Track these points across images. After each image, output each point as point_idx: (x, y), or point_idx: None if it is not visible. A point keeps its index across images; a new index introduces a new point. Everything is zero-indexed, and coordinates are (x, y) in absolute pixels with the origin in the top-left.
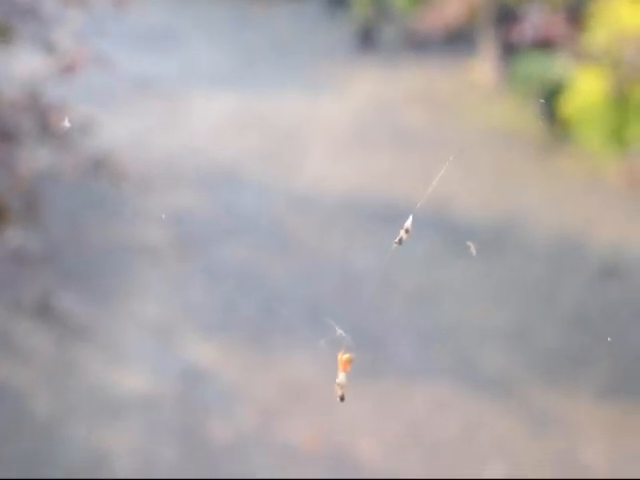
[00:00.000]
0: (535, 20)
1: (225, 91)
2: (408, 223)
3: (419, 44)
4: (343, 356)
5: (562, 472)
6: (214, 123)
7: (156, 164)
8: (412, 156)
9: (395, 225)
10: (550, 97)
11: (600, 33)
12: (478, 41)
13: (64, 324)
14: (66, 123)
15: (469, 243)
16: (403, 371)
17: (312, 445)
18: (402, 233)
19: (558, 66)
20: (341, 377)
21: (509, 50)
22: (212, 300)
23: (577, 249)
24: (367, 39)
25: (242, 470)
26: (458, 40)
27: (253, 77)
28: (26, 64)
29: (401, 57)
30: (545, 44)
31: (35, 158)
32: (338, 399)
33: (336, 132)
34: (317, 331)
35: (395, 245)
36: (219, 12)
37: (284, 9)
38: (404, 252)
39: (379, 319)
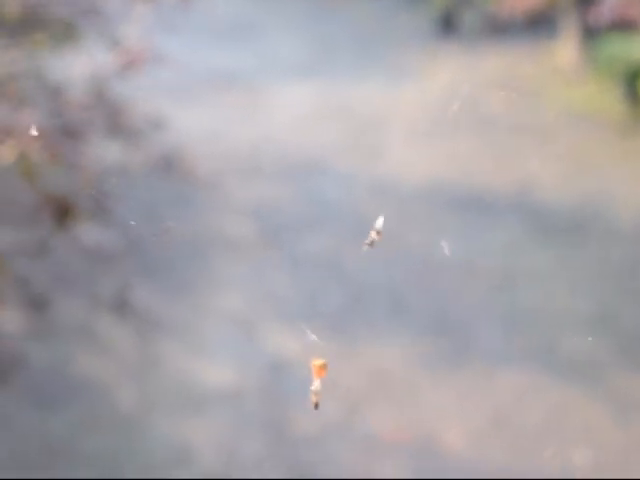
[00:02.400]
0: (612, 1)
1: (304, 82)
2: (379, 224)
3: (500, 29)
4: (317, 362)
5: None
6: (294, 114)
7: (236, 156)
8: (493, 141)
9: (477, 211)
10: (633, 79)
11: None
12: (559, 24)
13: (145, 318)
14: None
15: (442, 244)
16: (487, 358)
17: (396, 435)
18: (373, 235)
19: None
20: (316, 384)
21: (592, 32)
22: (295, 291)
23: None
24: (447, 26)
25: (326, 461)
26: (539, 24)
27: (332, 67)
28: (93, 62)
29: (482, 43)
30: (624, 25)
31: (107, 155)
32: (313, 407)
33: (417, 119)
34: (400, 320)
35: (366, 247)
36: (294, 3)
37: None
38: (485, 238)
39: (462, 306)
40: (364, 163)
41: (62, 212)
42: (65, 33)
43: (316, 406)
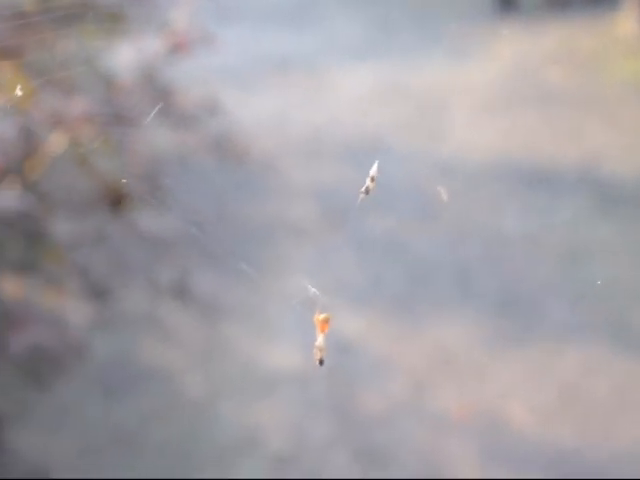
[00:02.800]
0: None
1: (364, 63)
2: (373, 170)
3: (560, 2)
4: (320, 316)
5: None
6: (353, 95)
7: (295, 139)
8: (556, 116)
9: (541, 186)
10: None
11: None
12: None
13: (208, 303)
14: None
15: (439, 188)
16: (554, 333)
17: (462, 413)
18: (368, 182)
19: None
20: (320, 339)
21: None
22: (359, 272)
23: None
24: (507, 2)
25: (393, 441)
26: None
27: (391, 48)
28: (144, 48)
29: (542, 17)
30: None
31: (162, 140)
32: (317, 363)
33: (478, 97)
34: (466, 298)
35: (362, 195)
36: None
37: None
38: (551, 213)
39: (529, 282)
40: (426, 142)
41: (117, 199)
42: (115, 19)
43: (321, 362)
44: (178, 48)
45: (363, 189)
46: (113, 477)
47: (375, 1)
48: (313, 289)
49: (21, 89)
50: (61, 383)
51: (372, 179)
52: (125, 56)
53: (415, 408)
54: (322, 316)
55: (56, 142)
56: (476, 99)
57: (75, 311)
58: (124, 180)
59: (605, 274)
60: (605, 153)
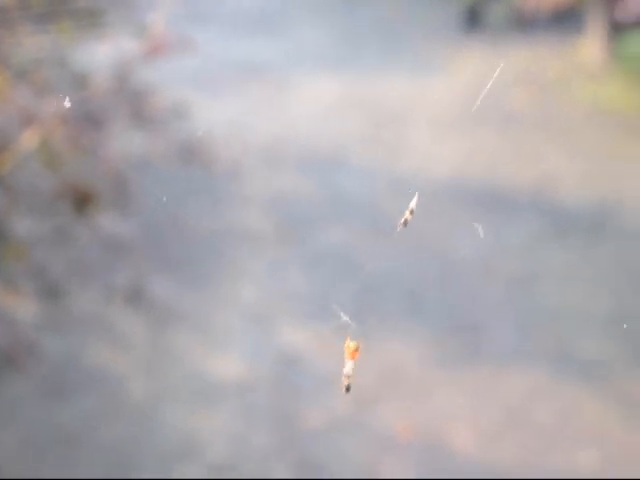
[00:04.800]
0: None
1: (329, 75)
2: (413, 203)
3: (526, 24)
4: (350, 343)
5: None
6: (318, 106)
7: (256, 148)
8: (516, 137)
9: (498, 208)
10: None
11: None
12: (586, 19)
13: (160, 309)
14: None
15: (476, 225)
16: (501, 356)
17: (406, 433)
18: (407, 214)
19: None
20: (348, 367)
21: (618, 28)
22: (310, 285)
23: None
24: (473, 20)
25: (334, 456)
26: (565, 19)
27: (356, 59)
28: (119, 50)
29: (507, 37)
30: None
31: (128, 143)
32: (344, 390)
33: (441, 114)
34: (415, 317)
35: (400, 227)
36: None
37: None
38: (505, 236)
39: (479, 304)
40: (386, 157)
41: (82, 200)
42: (91, 20)
43: (347, 389)
44: (154, 52)
45: (402, 221)
46: (53, 476)
47: (344, 13)
48: (345, 317)
49: None
50: (8, 381)
51: (411, 212)
52: (100, 56)
53: (358, 424)
54: (353, 344)
55: (27, 140)
56: (437, 116)
57: (27, 309)
58: (91, 181)
59: (554, 300)
60: (561, 177)
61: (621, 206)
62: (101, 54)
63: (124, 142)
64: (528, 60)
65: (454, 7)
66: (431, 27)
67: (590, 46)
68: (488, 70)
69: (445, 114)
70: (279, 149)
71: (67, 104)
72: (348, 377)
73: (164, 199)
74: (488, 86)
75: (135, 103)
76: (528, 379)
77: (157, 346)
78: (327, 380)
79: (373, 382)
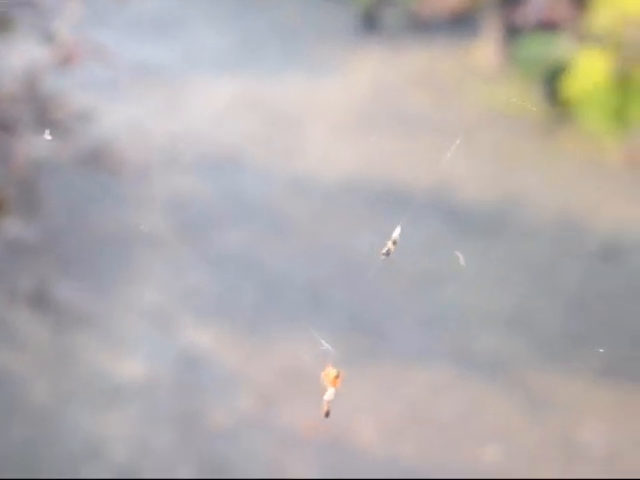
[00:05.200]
0: (538, 2)
1: (227, 76)
2: (396, 234)
3: (422, 27)
4: (330, 371)
5: (560, 453)
6: (216, 108)
7: (157, 151)
8: (414, 139)
9: (396, 209)
10: (553, 79)
11: (603, 15)
12: (481, 23)
13: (62, 312)
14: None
15: (457, 253)
16: (403, 354)
17: (311, 430)
18: (389, 245)
19: (561, 48)
20: (329, 393)
21: (512, 32)
22: (212, 286)
23: (578, 231)
24: (370, 22)
25: (240, 455)
26: (462, 22)
27: (255, 62)
28: (26, 55)
29: (404, 40)
30: (548, 26)
31: (35, 148)
32: (323, 415)
33: (338, 116)
34: (317, 316)
35: (383, 257)
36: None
37: None
38: (406, 235)
39: (380, 303)
40: (284, 159)
41: None
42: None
43: (327, 414)
44: (64, 59)
45: (384, 251)
46: None
47: (242, 16)
48: (326, 344)
49: None
50: None
51: (394, 242)
52: (8, 63)
53: (262, 423)
54: (333, 372)
55: None
56: (335, 118)
57: None
58: None
59: (456, 298)
60: (460, 178)
61: (519, 206)
62: (9, 60)
63: (34, 147)
64: (425, 63)
65: (351, 10)
66: (328, 30)
67: (486, 49)
68: (385, 72)
69: (343, 116)
70: (179, 152)
71: None
72: (328, 403)
73: (67, 202)
74: (385, 88)
75: (42, 108)
76: (431, 376)
77: (60, 348)
78: (230, 379)
79: (276, 380)
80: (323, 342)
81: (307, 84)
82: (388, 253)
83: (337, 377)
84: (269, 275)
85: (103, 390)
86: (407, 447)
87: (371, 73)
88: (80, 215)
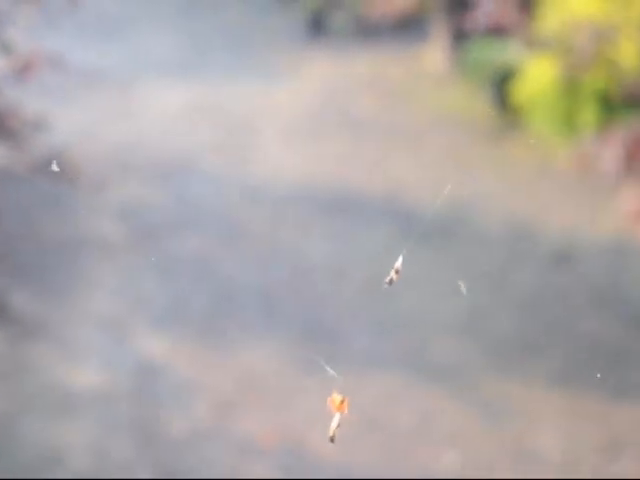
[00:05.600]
0: (487, 7)
1: (176, 81)
2: (398, 263)
3: (370, 31)
4: (336, 397)
5: (515, 458)
6: (167, 114)
7: (108, 158)
8: (363, 143)
9: (346, 214)
10: (501, 84)
11: (551, 20)
12: (429, 28)
13: (16, 321)
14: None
15: (459, 283)
16: (357, 361)
17: (268, 438)
18: (392, 274)
19: (510, 53)
20: (335, 419)
21: (461, 37)
22: (165, 293)
23: (529, 235)
24: (318, 26)
25: (198, 464)
26: (409, 27)
27: (204, 66)
28: None
29: (352, 44)
30: (497, 31)
31: None
32: (329, 439)
33: (288, 120)
34: (271, 323)
35: (385, 286)
36: (172, 2)
37: None
38: (357, 242)
39: (333, 310)
40: (235, 164)
41: None
42: None
43: (332, 439)
44: (22, 70)
45: (387, 280)
46: None
47: (191, 18)
48: (331, 371)
49: None
50: None
51: (397, 271)
52: None
53: (219, 431)
54: (338, 397)
55: None
56: (285, 123)
57: None
58: None
59: (407, 305)
60: (411, 183)
61: (471, 211)
62: None
63: None
64: (374, 67)
65: (299, 14)
66: (277, 33)
67: (434, 54)
68: (335, 77)
69: (293, 121)
70: (130, 158)
71: None
72: (334, 429)
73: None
74: (334, 93)
75: None
76: (385, 383)
77: (15, 357)
78: (186, 387)
79: (232, 389)
80: (328, 369)
81: (257, 89)
82: (391, 282)
83: (342, 402)
84: (222, 281)
85: (59, 400)
86: (363, 454)
87: (321, 78)
88: (33, 223)
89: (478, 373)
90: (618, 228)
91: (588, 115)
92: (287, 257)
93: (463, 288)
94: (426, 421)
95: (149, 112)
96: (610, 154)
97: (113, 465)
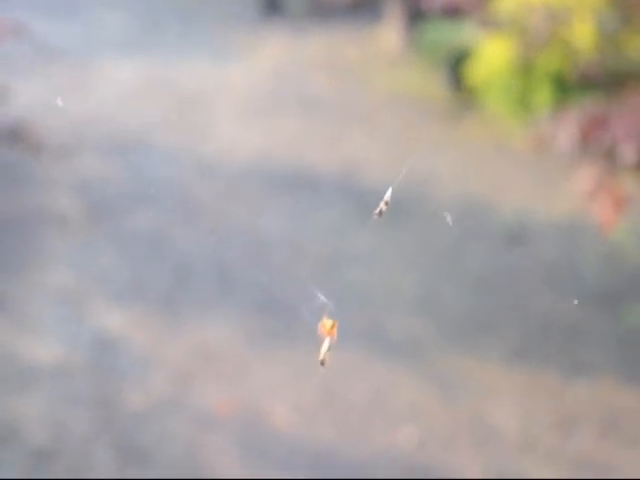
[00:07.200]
0: None
1: (129, 58)
2: (388, 195)
3: (325, 11)
4: (327, 322)
5: (473, 435)
6: (121, 90)
7: (63, 132)
8: (319, 122)
9: (303, 192)
10: (457, 64)
11: (507, 1)
12: (385, 8)
13: None
14: None
15: (445, 213)
16: (313, 336)
17: (226, 410)
18: (382, 205)
19: (465, 33)
20: (326, 343)
21: (416, 18)
22: (121, 268)
23: (483, 215)
24: (272, 5)
25: (154, 437)
26: (365, 7)
27: (157, 44)
28: None
29: (306, 24)
30: (453, 11)
31: None
32: (320, 364)
33: (242, 99)
34: (227, 297)
35: (375, 216)
36: None
37: None
38: (312, 218)
39: (288, 284)
40: (190, 140)
41: None
42: None
43: (322, 363)
44: None
45: (377, 211)
46: None
47: None
48: (322, 297)
49: None
50: None
51: (386, 203)
52: None
53: (177, 405)
54: (329, 322)
55: None
56: (241, 100)
57: None
58: None
59: (362, 280)
60: (365, 161)
61: (426, 190)
62: None
63: None
64: (328, 47)
65: None
66: (231, 11)
67: (389, 34)
68: (288, 56)
69: (248, 99)
70: (85, 133)
71: None
72: (325, 352)
73: None
74: (289, 72)
75: None
76: (343, 357)
77: None
78: (144, 361)
79: (189, 361)
80: (319, 295)
81: (211, 66)
82: (381, 213)
83: (333, 327)
84: (178, 256)
85: (17, 373)
86: (322, 427)
87: (275, 57)
88: None
89: (434, 349)
90: (573, 207)
91: (543, 95)
92: (243, 232)
93: (449, 219)
94: (384, 395)
95: (104, 88)
96: (565, 134)
97: (71, 438)
